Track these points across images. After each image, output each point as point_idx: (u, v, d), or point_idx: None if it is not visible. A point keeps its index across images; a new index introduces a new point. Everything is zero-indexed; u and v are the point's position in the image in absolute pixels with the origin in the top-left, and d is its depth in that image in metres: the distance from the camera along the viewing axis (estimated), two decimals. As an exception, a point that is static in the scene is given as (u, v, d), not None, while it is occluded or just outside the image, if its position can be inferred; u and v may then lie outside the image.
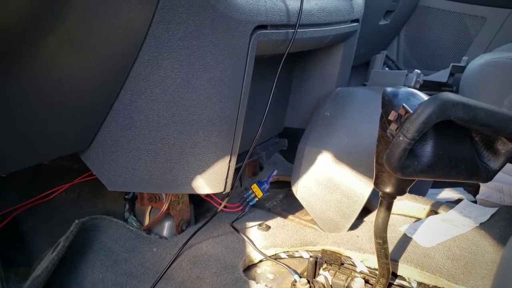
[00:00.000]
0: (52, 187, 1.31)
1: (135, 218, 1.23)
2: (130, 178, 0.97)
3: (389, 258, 0.92)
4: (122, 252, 1.11)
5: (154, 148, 0.92)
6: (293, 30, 0.95)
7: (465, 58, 1.76)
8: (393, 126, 0.72)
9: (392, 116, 0.72)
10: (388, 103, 0.75)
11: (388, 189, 0.82)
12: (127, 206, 1.24)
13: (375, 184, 0.83)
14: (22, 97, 0.72)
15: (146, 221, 1.20)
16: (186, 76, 0.84)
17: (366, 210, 1.23)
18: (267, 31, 0.89)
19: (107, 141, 0.94)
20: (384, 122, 0.76)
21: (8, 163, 0.83)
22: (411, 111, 0.70)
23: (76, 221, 1.10)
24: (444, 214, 1.24)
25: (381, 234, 0.89)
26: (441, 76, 1.70)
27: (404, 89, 0.77)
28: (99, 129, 0.93)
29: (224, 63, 0.84)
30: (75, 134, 0.91)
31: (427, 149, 0.72)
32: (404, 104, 0.72)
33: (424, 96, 0.75)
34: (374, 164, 0.82)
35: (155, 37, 0.80)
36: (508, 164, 0.78)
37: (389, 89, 0.77)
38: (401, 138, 0.69)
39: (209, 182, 0.95)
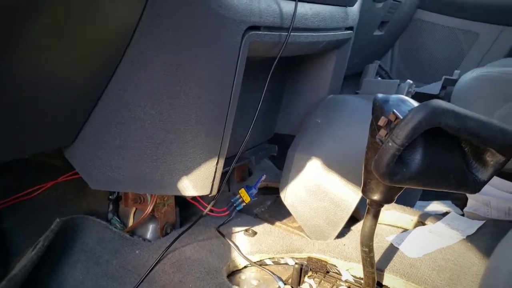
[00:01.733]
0: (35, 184, 1.28)
1: (118, 220, 1.20)
2: (114, 177, 0.94)
3: (375, 267, 0.91)
4: (104, 253, 1.08)
5: (140, 146, 0.90)
6: (286, 33, 0.94)
7: (457, 71, 1.77)
8: (382, 132, 0.72)
9: (382, 121, 0.71)
10: (379, 109, 0.75)
11: (375, 197, 0.82)
12: (111, 206, 1.21)
13: (363, 191, 0.83)
14: (2, 88, 0.70)
15: (130, 223, 1.18)
16: (175, 74, 0.83)
17: (353, 219, 1.22)
18: (260, 32, 0.88)
19: (92, 138, 0.92)
20: (374, 129, 0.76)
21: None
22: (401, 117, 0.69)
23: (58, 219, 1.07)
24: (431, 225, 1.23)
25: (367, 243, 0.88)
26: (433, 88, 1.70)
27: (395, 96, 0.76)
28: (83, 124, 0.90)
29: (214, 62, 0.83)
30: (58, 128, 0.88)
31: (416, 157, 0.72)
32: (394, 110, 0.71)
33: (414, 103, 0.74)
34: (363, 171, 0.81)
35: (144, 32, 0.79)
36: (495, 178, 0.78)
37: (380, 95, 0.77)
38: (390, 144, 0.68)
39: (195, 183, 0.93)
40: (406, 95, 1.42)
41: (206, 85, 0.84)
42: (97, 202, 1.28)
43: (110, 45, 0.78)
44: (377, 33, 1.80)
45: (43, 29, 0.65)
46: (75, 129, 0.91)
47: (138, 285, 0.98)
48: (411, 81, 1.46)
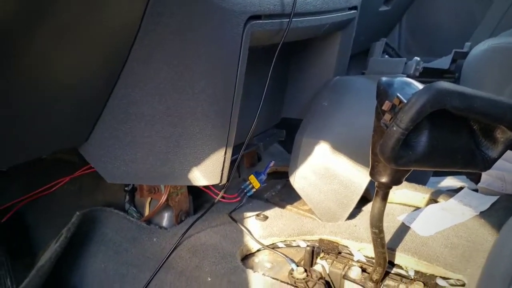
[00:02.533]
0: (53, 180, 1.32)
1: (135, 209, 1.24)
2: (128, 171, 0.97)
3: (386, 247, 0.92)
4: (123, 242, 1.12)
5: (150, 141, 0.92)
6: (288, 20, 0.94)
7: (468, 43, 1.73)
8: (387, 116, 0.72)
9: (386, 106, 0.72)
10: (383, 92, 0.75)
11: (383, 179, 0.82)
12: (127, 197, 1.25)
13: (371, 174, 0.83)
14: (18, 93, 0.73)
15: (146, 212, 1.21)
16: (179, 69, 0.84)
17: (364, 200, 1.23)
18: (261, 21, 0.88)
19: (104, 135, 0.95)
20: (379, 112, 0.76)
21: (8, 157, 0.84)
22: (405, 101, 0.69)
23: (77, 213, 1.11)
24: (443, 203, 1.23)
25: (377, 224, 0.89)
26: (443, 62, 1.68)
27: (399, 79, 0.76)
28: (96, 122, 0.93)
29: (217, 55, 0.84)
30: (72, 128, 0.91)
31: (422, 139, 0.72)
32: (398, 94, 0.71)
33: (419, 86, 0.74)
34: (370, 154, 0.81)
35: (147, 30, 0.80)
36: (509, 152, 0.77)
37: (384, 79, 0.76)
38: (394, 128, 0.68)
39: (205, 174, 0.95)
40: (414, 72, 1.41)
41: (210, 78, 0.85)
42: (113, 194, 1.32)
43: (116, 44, 0.80)
44: (383, 8, 1.77)
45: (50, 34, 0.67)
46: (88, 127, 0.93)
47: (157, 271, 1.01)
48: (418, 58, 1.44)
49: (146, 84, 0.86)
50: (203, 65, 0.84)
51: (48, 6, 0.63)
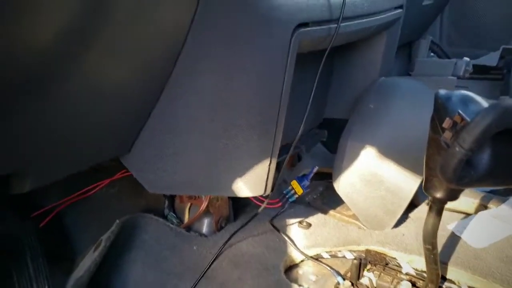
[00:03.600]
0: (92, 183, 1.32)
1: (174, 215, 1.23)
2: (170, 182, 0.96)
3: (439, 264, 0.88)
4: (162, 250, 1.11)
5: (193, 153, 0.90)
6: (336, 25, 0.89)
7: (517, 39, 1.64)
8: (447, 134, 0.67)
9: (446, 123, 0.67)
10: (441, 107, 0.70)
11: (439, 195, 0.78)
12: (166, 203, 1.24)
13: (425, 188, 0.79)
14: (64, 108, 0.72)
15: (186, 218, 1.20)
16: (225, 79, 0.81)
17: (411, 205, 1.18)
18: (308, 28, 0.84)
19: (147, 146, 0.93)
20: (436, 125, 0.71)
21: (52, 174, 0.84)
22: (468, 119, 0.64)
23: (117, 221, 1.11)
24: (495, 209, 1.17)
25: (430, 240, 0.85)
26: (490, 59, 1.58)
27: (458, 92, 0.71)
28: (139, 134, 0.92)
29: (263, 65, 0.81)
30: (116, 139, 0.90)
31: (484, 158, 0.67)
32: (459, 111, 0.66)
33: (481, 102, 0.69)
34: (424, 167, 0.77)
35: (194, 41, 0.77)
36: None
37: (442, 92, 0.72)
38: (457, 149, 0.64)
39: (249, 185, 0.93)
40: (464, 74, 1.33)
41: (256, 88, 0.83)
42: (153, 197, 1.31)
43: (162, 55, 0.78)
44: (426, 2, 1.68)
45: (102, 49, 0.65)
46: (131, 138, 0.92)
47: (198, 282, 1.00)
48: (467, 59, 1.37)
49: (191, 95, 0.84)
50: (249, 75, 0.81)
51: (100, 24, 0.61)
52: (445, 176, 0.67)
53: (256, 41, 0.78)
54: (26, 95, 0.63)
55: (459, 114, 0.66)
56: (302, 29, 0.82)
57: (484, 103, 0.67)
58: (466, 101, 0.69)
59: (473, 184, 0.69)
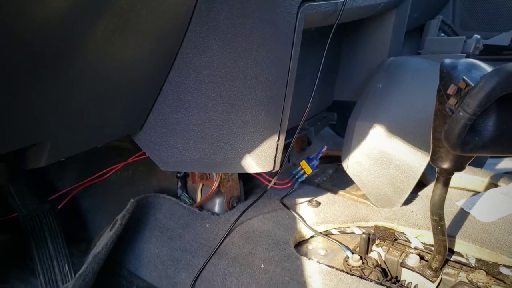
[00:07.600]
0: (107, 166, 1.35)
1: (187, 195, 1.26)
2: (181, 159, 0.98)
3: (446, 235, 0.89)
4: (176, 228, 1.14)
5: (203, 129, 0.92)
6: (342, 0, 0.90)
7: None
8: (452, 101, 0.68)
9: (451, 90, 0.68)
10: (447, 75, 0.71)
11: (445, 165, 0.79)
12: (179, 183, 1.27)
13: (432, 160, 0.80)
14: (76, 86, 0.74)
15: (198, 198, 1.23)
16: (233, 55, 0.83)
17: (420, 184, 1.19)
18: (315, 3, 0.85)
19: (158, 123, 0.96)
20: (442, 96, 0.72)
21: (67, 149, 0.87)
22: (472, 84, 0.65)
23: (132, 200, 1.14)
24: (504, 187, 1.18)
25: (437, 211, 0.86)
26: (503, 39, 1.57)
27: (464, 60, 0.71)
28: (150, 111, 0.94)
29: (270, 40, 0.82)
30: (127, 117, 0.93)
31: (489, 124, 0.68)
32: (464, 77, 0.67)
33: (486, 68, 0.69)
34: (431, 139, 0.78)
35: (200, 17, 0.79)
36: None
37: (447, 61, 0.72)
38: (461, 114, 0.65)
39: (258, 161, 0.94)
40: (474, 51, 1.33)
41: (263, 63, 0.84)
42: (166, 180, 1.35)
43: (169, 33, 0.79)
44: (437, -18, 1.67)
45: (108, 25, 0.67)
46: (143, 116, 0.95)
47: (211, 257, 1.02)
48: (478, 36, 1.36)
49: (199, 72, 0.85)
50: (256, 51, 0.83)
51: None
52: (449, 143, 0.68)
53: (263, 17, 0.79)
54: (43, 70, 0.66)
55: (463, 80, 0.66)
56: (308, 4, 0.83)
57: (489, 68, 0.68)
58: (471, 68, 0.69)
59: (477, 150, 0.69)
